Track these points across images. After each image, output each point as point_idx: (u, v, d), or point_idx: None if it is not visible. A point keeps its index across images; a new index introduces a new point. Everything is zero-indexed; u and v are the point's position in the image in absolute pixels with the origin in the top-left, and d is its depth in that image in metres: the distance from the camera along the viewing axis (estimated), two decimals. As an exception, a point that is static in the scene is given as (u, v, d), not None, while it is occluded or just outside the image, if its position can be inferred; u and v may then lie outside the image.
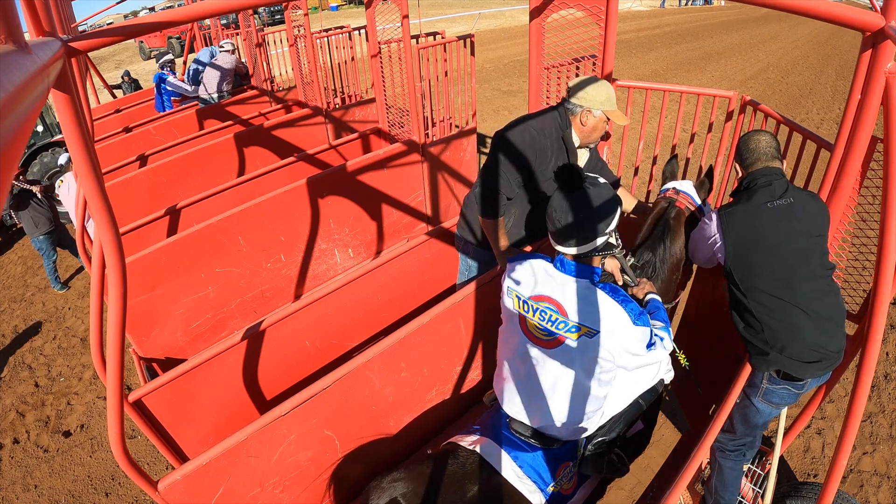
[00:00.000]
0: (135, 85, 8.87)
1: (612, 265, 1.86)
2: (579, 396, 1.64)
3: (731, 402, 1.85)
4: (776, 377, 1.88)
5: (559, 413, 1.67)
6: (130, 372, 3.89)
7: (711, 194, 2.69)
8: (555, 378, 1.65)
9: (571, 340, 1.58)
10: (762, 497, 2.29)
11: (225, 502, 1.87)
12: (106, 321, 1.55)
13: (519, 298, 1.70)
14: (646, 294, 1.85)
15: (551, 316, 1.61)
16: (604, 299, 1.56)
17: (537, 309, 1.64)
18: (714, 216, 1.91)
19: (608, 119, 2.15)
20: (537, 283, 1.66)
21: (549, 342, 1.63)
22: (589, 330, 1.55)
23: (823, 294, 1.79)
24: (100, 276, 1.95)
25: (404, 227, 4.25)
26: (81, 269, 5.68)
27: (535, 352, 1.68)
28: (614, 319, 1.54)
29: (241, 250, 3.35)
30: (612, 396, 1.70)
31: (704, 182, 2.15)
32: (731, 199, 1.96)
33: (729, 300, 1.96)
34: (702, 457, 1.71)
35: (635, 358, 1.60)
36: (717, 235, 1.88)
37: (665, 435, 3.12)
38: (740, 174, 1.96)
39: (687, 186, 2.13)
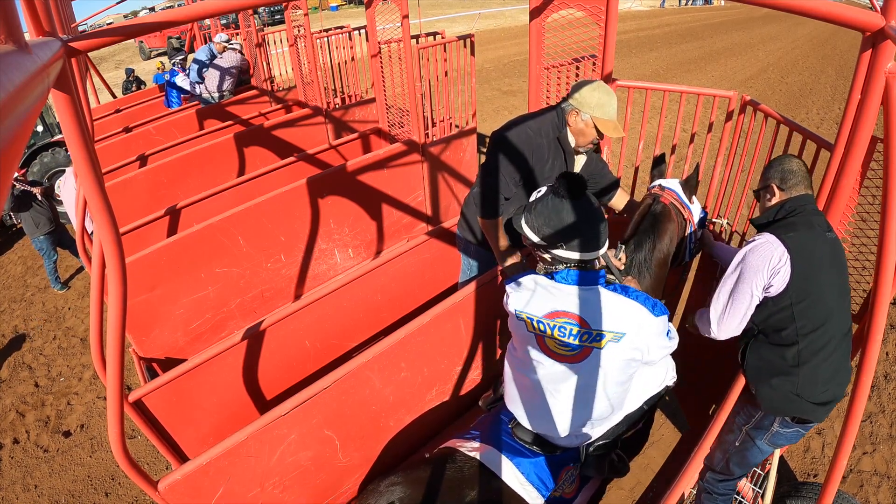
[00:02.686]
0: (137, 82, 8.88)
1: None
2: (605, 402, 1.62)
3: (729, 408, 1.83)
4: (789, 421, 1.80)
5: (587, 424, 1.66)
6: (130, 372, 3.89)
7: (715, 204, 2.70)
8: (582, 391, 1.62)
9: (598, 349, 1.55)
10: (762, 497, 2.29)
11: (225, 502, 1.87)
12: (106, 321, 1.55)
13: (531, 320, 1.63)
14: None
15: (571, 329, 1.56)
16: (619, 300, 1.54)
17: (555, 326, 1.59)
18: (773, 238, 1.70)
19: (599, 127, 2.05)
20: (545, 299, 1.61)
21: (574, 356, 1.59)
22: (615, 334, 1.53)
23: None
24: (100, 276, 1.95)
25: (404, 227, 4.25)
26: (81, 269, 5.68)
27: (560, 369, 1.62)
28: (636, 316, 1.52)
29: (241, 250, 3.35)
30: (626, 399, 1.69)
31: (690, 179, 2.14)
32: (767, 222, 1.80)
33: (760, 341, 1.81)
34: (702, 457, 1.71)
35: (661, 349, 1.59)
36: (786, 259, 1.66)
37: (665, 435, 3.12)
38: (777, 196, 1.81)
39: (673, 184, 2.12)
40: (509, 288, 1.71)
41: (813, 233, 1.68)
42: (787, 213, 1.75)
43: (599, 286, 1.56)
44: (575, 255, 1.57)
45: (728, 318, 1.79)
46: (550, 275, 1.62)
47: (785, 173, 1.79)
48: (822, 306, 1.68)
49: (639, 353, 1.55)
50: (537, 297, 1.62)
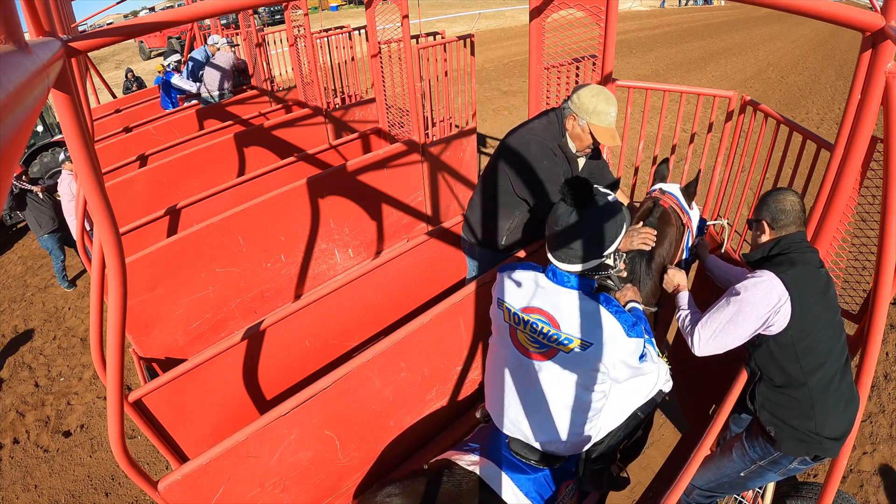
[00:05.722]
0: (138, 83, 8.87)
1: None
2: (574, 408, 1.60)
3: (729, 407, 1.83)
4: (809, 459, 1.78)
5: (554, 426, 1.63)
6: (130, 372, 3.89)
7: (715, 204, 2.70)
8: (549, 390, 1.61)
9: (564, 353, 1.54)
10: (762, 497, 2.29)
11: (225, 502, 1.87)
12: (106, 321, 1.55)
13: (509, 310, 1.64)
14: (627, 301, 1.78)
15: (542, 328, 1.56)
16: (597, 310, 1.50)
17: (528, 321, 1.59)
18: (773, 276, 1.68)
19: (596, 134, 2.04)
20: (528, 294, 1.60)
21: (541, 354, 1.59)
22: (582, 342, 1.51)
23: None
24: (100, 276, 1.95)
25: (404, 227, 4.25)
26: (83, 268, 5.68)
27: (527, 364, 1.63)
28: (608, 331, 1.49)
29: (241, 250, 3.35)
30: (608, 409, 1.66)
31: (690, 185, 2.12)
32: (761, 258, 1.79)
33: (767, 385, 1.80)
34: (702, 457, 1.71)
35: (628, 369, 1.55)
36: (786, 299, 1.65)
37: (665, 435, 3.12)
38: (767, 234, 1.81)
39: (673, 188, 2.11)
40: (500, 274, 1.71)
41: (809, 270, 1.68)
42: (782, 249, 1.74)
43: (581, 291, 1.54)
44: (551, 258, 1.57)
45: (712, 343, 1.76)
46: (543, 269, 1.63)
47: (777, 213, 1.77)
48: (823, 344, 1.67)
49: (603, 368, 1.53)
50: (522, 290, 1.62)
